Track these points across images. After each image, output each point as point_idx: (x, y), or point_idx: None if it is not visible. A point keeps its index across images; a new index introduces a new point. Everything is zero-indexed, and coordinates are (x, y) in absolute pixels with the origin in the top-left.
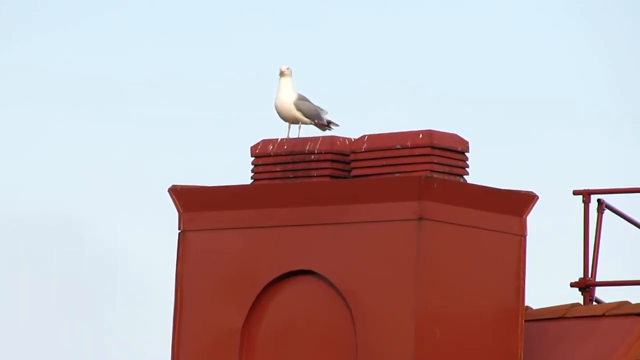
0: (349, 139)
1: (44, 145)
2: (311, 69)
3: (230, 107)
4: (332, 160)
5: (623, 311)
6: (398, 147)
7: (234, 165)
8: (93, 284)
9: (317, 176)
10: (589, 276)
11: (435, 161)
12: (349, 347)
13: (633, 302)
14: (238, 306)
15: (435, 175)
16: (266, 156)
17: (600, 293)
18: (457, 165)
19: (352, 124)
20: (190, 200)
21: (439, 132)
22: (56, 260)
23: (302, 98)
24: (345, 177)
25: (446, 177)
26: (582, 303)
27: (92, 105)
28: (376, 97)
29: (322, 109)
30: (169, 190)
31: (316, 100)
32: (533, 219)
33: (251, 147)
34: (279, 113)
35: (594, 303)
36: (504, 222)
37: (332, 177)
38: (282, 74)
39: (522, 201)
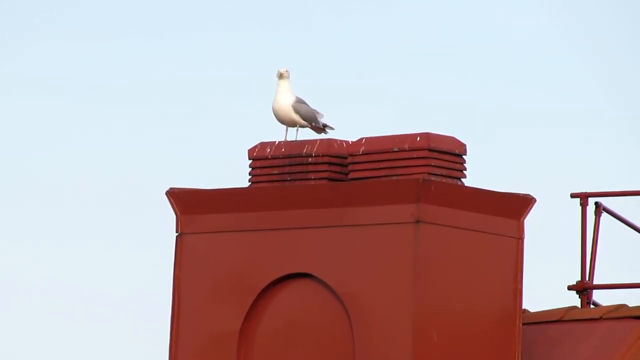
0: (347, 142)
1: (43, 145)
2: (309, 71)
3: (227, 109)
4: (330, 163)
5: (620, 314)
6: (395, 149)
7: (232, 168)
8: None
9: (314, 179)
10: (587, 279)
11: (432, 164)
12: (347, 350)
13: (630, 305)
14: (236, 309)
15: (433, 178)
16: (264, 159)
17: (597, 296)
18: (455, 168)
19: (349, 127)
20: (187, 203)
21: (436, 134)
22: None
23: (300, 101)
24: (342, 180)
25: (444, 179)
26: (579, 306)
27: (91, 107)
28: (373, 100)
29: (318, 112)
30: (166, 193)
31: (313, 103)
32: (530, 221)
33: (249, 150)
34: (276, 116)
35: (592, 306)
36: (501, 224)
37: (329, 179)
38: (280, 76)
39: (520, 204)
